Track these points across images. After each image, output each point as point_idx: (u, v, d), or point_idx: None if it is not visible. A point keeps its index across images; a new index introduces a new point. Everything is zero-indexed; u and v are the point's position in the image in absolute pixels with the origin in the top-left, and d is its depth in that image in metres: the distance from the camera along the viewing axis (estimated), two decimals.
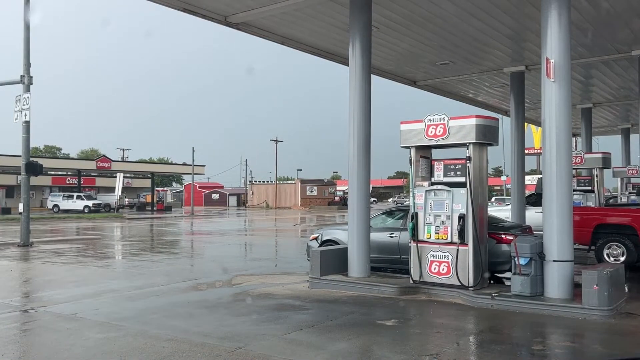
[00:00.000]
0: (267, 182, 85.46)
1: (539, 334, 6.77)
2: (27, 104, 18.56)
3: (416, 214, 8.91)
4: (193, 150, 51.98)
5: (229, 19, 11.67)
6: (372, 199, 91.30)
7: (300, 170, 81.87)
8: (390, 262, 10.70)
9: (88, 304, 8.52)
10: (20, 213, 18.71)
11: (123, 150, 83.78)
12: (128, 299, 8.91)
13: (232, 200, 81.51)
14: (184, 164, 64.30)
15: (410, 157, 9.05)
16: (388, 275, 10.15)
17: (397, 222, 11.14)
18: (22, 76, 18.78)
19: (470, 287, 8.34)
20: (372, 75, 15.64)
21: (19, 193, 55.86)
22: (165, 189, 73.53)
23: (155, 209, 56.53)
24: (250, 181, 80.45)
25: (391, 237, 10.69)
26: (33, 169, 18.55)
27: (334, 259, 9.88)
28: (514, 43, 13.73)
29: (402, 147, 9.16)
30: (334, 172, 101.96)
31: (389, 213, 11.78)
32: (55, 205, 49.92)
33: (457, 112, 8.92)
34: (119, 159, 69.69)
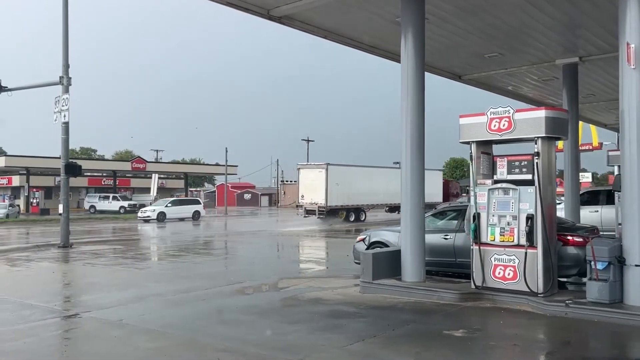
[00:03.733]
0: (295, 181, 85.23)
1: (624, 347, 6.11)
2: (66, 105, 18.55)
3: (478, 214, 8.29)
4: (226, 151, 52.08)
5: (271, 12, 11.24)
6: None
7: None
8: (444, 266, 10.10)
9: (133, 309, 8.19)
10: (60, 214, 18.68)
11: (157, 151, 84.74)
12: (174, 304, 8.55)
13: (264, 200, 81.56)
14: (217, 164, 64.53)
15: (471, 153, 8.44)
16: (444, 279, 9.56)
17: (450, 223, 10.53)
18: (61, 77, 18.78)
19: (540, 293, 7.68)
20: None
21: (57, 194, 57.01)
22: (198, 189, 74.14)
23: None
24: (282, 181, 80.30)
25: (445, 239, 10.09)
26: (72, 170, 18.52)
27: (386, 262, 9.33)
28: (568, 31, 12.92)
29: (461, 142, 8.56)
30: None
31: (441, 213, 11.17)
32: (92, 206, 50.57)
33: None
34: (153, 160, 70.40)
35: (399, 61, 13.99)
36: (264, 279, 11.04)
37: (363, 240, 11.46)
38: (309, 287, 9.79)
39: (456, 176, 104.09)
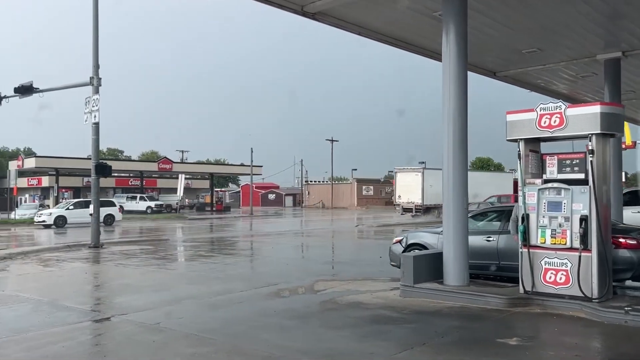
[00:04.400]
0: (322, 182, 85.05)
1: None
2: (97, 106, 18.60)
3: (527, 215, 7.90)
4: (252, 151, 52.14)
5: (305, 8, 10.97)
6: None
7: (356, 169, 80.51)
8: (486, 269, 9.72)
9: (170, 311, 8.01)
10: (90, 214, 18.74)
11: (182, 152, 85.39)
12: (210, 307, 8.36)
13: (288, 201, 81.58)
14: (242, 165, 64.68)
15: (519, 151, 8.05)
16: (488, 283, 9.18)
17: (492, 224, 10.14)
18: (91, 78, 18.85)
19: (595, 299, 7.27)
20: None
21: (85, 194, 57.83)
22: (223, 189, 74.46)
23: (214, 209, 57.01)
24: (306, 181, 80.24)
25: (488, 240, 9.71)
26: (102, 170, 18.56)
27: (427, 265, 8.99)
28: (611, 23, 12.38)
29: (508, 140, 8.18)
30: (389, 172, 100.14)
31: (482, 214, 10.77)
32: (120, 206, 50.99)
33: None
34: (179, 161, 70.95)
35: (436, 58, 13.74)
36: (298, 280, 10.78)
37: (400, 242, 11.13)
38: (347, 290, 9.50)
39: None
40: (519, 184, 8.10)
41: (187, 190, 66.45)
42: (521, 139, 8.04)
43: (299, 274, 11.75)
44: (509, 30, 12.45)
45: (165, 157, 57.17)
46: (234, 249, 18.60)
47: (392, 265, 11.27)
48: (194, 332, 6.71)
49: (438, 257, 9.04)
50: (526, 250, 7.87)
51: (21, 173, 44.98)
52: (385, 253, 16.33)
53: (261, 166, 59.84)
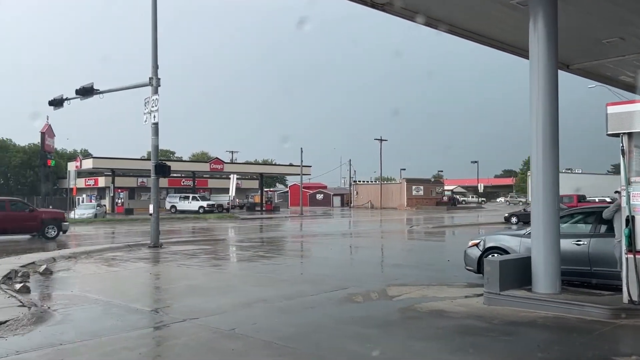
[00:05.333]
0: (370, 182, 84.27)
1: None
2: (156, 106, 18.67)
3: (632, 217, 7.14)
4: (301, 151, 52.01)
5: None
6: (481, 199, 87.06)
7: (404, 169, 79.45)
8: (575, 275, 8.96)
9: (242, 316, 7.68)
10: (150, 214, 18.81)
11: (232, 152, 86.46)
12: (283, 312, 7.98)
13: (336, 201, 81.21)
14: (291, 165, 64.73)
15: (622, 146, 7.29)
16: (582, 291, 8.42)
17: (582, 227, 9.36)
18: (150, 78, 18.94)
19: None
20: (514, 57, 13.83)
21: (139, 194, 59.21)
22: (272, 189, 74.85)
23: (264, 209, 57.23)
24: (354, 181, 79.67)
25: (578, 244, 8.95)
26: (162, 170, 18.62)
27: (513, 271, 8.33)
28: None
29: (608, 134, 7.43)
30: (439, 171, 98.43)
31: (569, 216, 9.98)
32: (173, 206, 51.90)
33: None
34: (229, 161, 71.74)
35: (513, 52, 12.97)
36: (368, 284, 10.27)
37: (476, 245, 10.48)
38: (423, 296, 8.95)
39: None
40: (622, 182, 7.34)
41: (237, 190, 67.08)
42: (625, 134, 7.28)
43: (366, 278, 11.26)
44: (590, 17, 11.58)
45: (216, 158, 57.85)
46: (291, 250, 18.30)
47: (467, 269, 10.64)
48: (273, 339, 6.32)
49: (525, 262, 8.36)
50: (632, 256, 7.11)
51: (79, 174, 46.32)
52: (449, 256, 15.71)
53: (310, 166, 59.73)
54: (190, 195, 52.14)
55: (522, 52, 11.81)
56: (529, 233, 9.15)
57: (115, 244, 19.28)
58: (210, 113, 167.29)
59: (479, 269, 10.25)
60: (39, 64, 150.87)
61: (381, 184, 72.52)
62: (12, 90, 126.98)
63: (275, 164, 72.22)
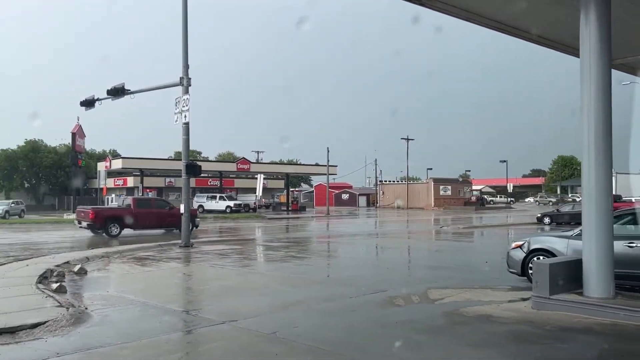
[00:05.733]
0: (396, 181, 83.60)
1: None
2: (187, 106, 18.64)
3: None
4: (328, 151, 51.80)
5: None
6: (509, 199, 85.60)
7: (431, 169, 78.54)
8: (627, 279, 8.54)
9: (281, 319, 7.47)
10: (181, 214, 18.82)
11: (257, 152, 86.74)
12: (323, 315, 7.75)
13: (362, 201, 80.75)
14: (316, 165, 64.57)
15: None
16: (637, 295, 8.00)
17: (632, 228, 8.92)
18: (181, 78, 18.93)
19: None
20: (561, 54, 13.31)
21: (167, 194, 59.71)
22: (298, 189, 74.81)
23: (290, 209, 57.18)
24: (380, 181, 79.14)
25: (630, 246, 8.52)
26: (193, 169, 18.60)
27: (563, 274, 7.94)
28: None
29: None
30: (466, 171, 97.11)
31: (617, 217, 9.53)
32: (200, 206, 52.14)
33: None
34: (254, 161, 71.95)
35: (560, 49, 12.50)
36: (407, 287, 9.99)
37: (520, 246, 10.09)
38: (467, 299, 8.62)
39: (565, 175, 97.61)
40: None
41: (263, 190, 67.19)
42: None
43: (403, 280, 11.00)
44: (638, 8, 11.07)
45: (243, 158, 58.01)
46: (322, 250, 18.08)
47: (510, 272, 10.27)
48: (317, 344, 6.10)
49: (576, 265, 7.97)
50: None
51: (108, 174, 46.92)
52: (485, 257, 15.29)
53: (336, 166, 59.37)
54: (218, 195, 52.35)
55: (569, 49, 11.39)
56: (577, 234, 8.76)
57: (147, 244, 19.30)
58: (235, 113, 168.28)
59: (523, 272, 9.89)
60: (68, 65, 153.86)
61: (408, 183, 71.83)
62: (42, 92, 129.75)
63: (300, 164, 72.13)
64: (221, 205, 50.43)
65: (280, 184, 67.92)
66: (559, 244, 9.40)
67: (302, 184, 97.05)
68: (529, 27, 11.54)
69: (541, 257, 9.41)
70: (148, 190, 52.35)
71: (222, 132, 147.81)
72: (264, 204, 61.08)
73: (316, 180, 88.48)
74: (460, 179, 77.69)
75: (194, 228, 24.87)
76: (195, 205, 53.38)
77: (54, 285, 9.80)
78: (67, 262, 13.29)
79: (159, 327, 7.16)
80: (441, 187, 67.51)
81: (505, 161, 74.51)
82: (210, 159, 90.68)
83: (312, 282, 10.76)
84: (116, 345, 6.17)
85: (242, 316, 7.60)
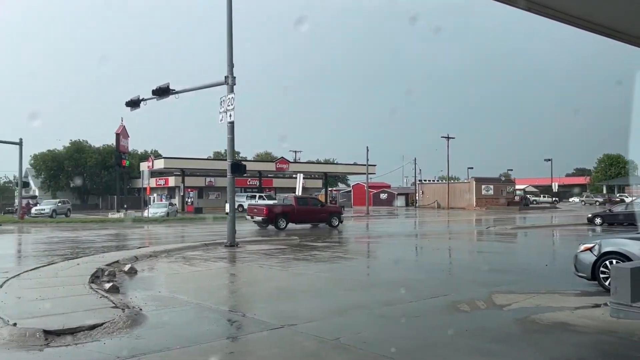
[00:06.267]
0: (434, 181, 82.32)
1: None
2: (232, 105, 18.52)
3: None
4: (367, 150, 51.29)
5: None
6: (554, 198, 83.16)
7: (472, 168, 76.90)
8: None
9: (342, 324, 7.13)
10: (227, 213, 18.71)
11: (295, 152, 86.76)
12: (386, 320, 7.38)
13: (400, 200, 79.75)
14: (355, 164, 64.14)
15: None
16: None
17: None
18: (226, 77, 18.82)
19: None
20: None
21: (207, 194, 60.30)
22: (336, 189, 74.46)
23: None
24: (419, 180, 78.02)
25: None
26: (238, 169, 18.47)
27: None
28: None
29: None
30: (508, 170, 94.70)
31: None
32: (240, 205, 52.36)
33: None
34: (292, 161, 71.97)
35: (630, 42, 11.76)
36: (469, 291, 9.50)
37: (590, 249, 9.46)
38: (536, 305, 8.09)
39: (611, 174, 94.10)
40: None
41: (301, 189, 67.14)
42: None
43: (462, 283, 10.49)
44: None
45: (282, 157, 58.08)
46: (369, 251, 17.68)
47: (578, 276, 9.64)
48: (385, 353, 5.72)
49: None
50: None
51: (150, 174, 47.64)
52: (543, 259, 14.64)
53: (374, 165, 58.88)
54: (257, 195, 52.50)
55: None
56: None
57: (192, 243, 19.31)
58: (272, 113, 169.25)
59: (594, 276, 9.27)
60: (111, 66, 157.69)
61: (448, 183, 70.55)
62: (87, 93, 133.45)
63: (338, 163, 71.75)
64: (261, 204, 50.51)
65: (318, 183, 67.72)
66: (635, 246, 8.76)
67: (338, 183, 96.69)
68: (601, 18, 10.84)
69: (614, 261, 8.79)
70: (189, 190, 52.94)
71: (259, 131, 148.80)
72: None
73: (353, 180, 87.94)
74: (503, 178, 75.86)
75: (340, 223, 28.98)
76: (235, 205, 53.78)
77: (107, 285, 9.73)
78: (117, 262, 13.29)
79: (216, 330, 6.94)
80: (483, 186, 65.99)
81: (550, 159, 72.48)
82: (248, 158, 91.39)
83: (365, 285, 10.40)
84: (175, 350, 5.94)
85: (300, 320, 7.30)
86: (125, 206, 42.78)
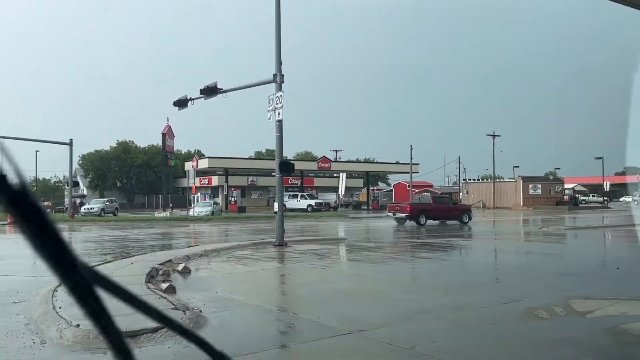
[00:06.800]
0: (477, 180, 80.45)
1: None
2: (280, 103, 18.29)
3: None
4: (411, 148, 50.57)
5: None
6: (604, 198, 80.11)
7: (517, 167, 74.89)
8: None
9: (413, 331, 6.70)
10: (275, 212, 18.52)
11: (335, 151, 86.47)
12: (459, 327, 6.90)
13: None
14: (397, 163, 63.34)
15: None
16: None
17: None
18: (274, 75, 18.60)
19: None
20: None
21: (249, 193, 60.63)
22: (377, 188, 73.69)
23: (370, 208, 56.34)
24: (463, 179, 76.42)
25: None
26: (287, 168, 18.22)
27: None
28: None
29: None
30: (555, 169, 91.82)
31: None
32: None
33: None
34: (333, 160, 71.63)
35: None
36: (542, 296, 8.87)
37: None
38: (622, 313, 7.47)
39: None
40: None
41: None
42: None
43: (532, 287, 9.86)
44: None
45: (324, 157, 57.89)
46: (422, 251, 17.10)
47: None
48: None
49: None
50: None
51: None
52: (614, 262, 13.79)
53: (418, 164, 57.91)
54: (299, 194, 52.45)
55: None
56: None
57: (240, 242, 19.22)
58: (312, 113, 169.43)
59: None
60: (156, 67, 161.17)
61: (494, 182, 68.80)
62: (132, 94, 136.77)
63: (380, 162, 71.02)
64: (302, 204, 50.44)
65: (358, 182, 67.21)
66: None
67: (379, 182, 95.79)
68: None
69: None
70: (233, 189, 53.29)
71: (299, 131, 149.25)
72: (343, 202, 60.65)
73: (393, 179, 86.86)
74: (552, 177, 73.53)
75: (469, 220, 30.98)
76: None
77: (164, 285, 9.58)
78: (170, 261, 13.21)
79: (281, 334, 6.64)
80: (530, 185, 64.03)
81: (600, 158, 69.86)
82: (288, 157, 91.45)
83: (427, 287, 9.92)
84: (242, 356, 5.65)
85: (367, 325, 6.90)
86: (171, 205, 43.34)
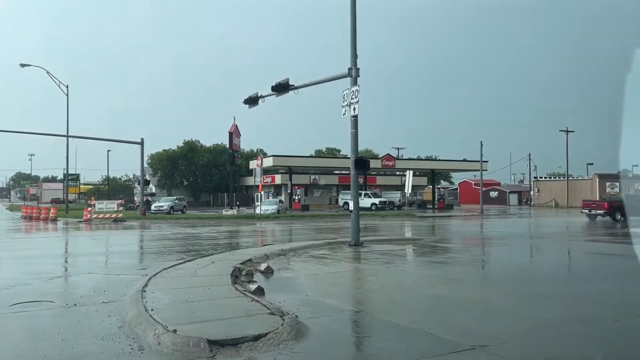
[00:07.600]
0: (549, 177, 76.84)
1: None
2: (356, 97, 17.61)
3: None
4: (481, 145, 48.65)
5: None
6: None
7: (591, 164, 70.89)
8: None
9: (542, 347, 5.86)
10: (351, 211, 17.88)
11: (397, 149, 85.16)
12: (597, 344, 6.00)
13: (512, 199, 75.39)
14: (465, 160, 61.29)
15: None
16: None
17: None
18: (349, 69, 17.95)
19: None
20: None
21: (311, 191, 60.39)
22: (442, 186, 71.82)
23: (436, 207, 54.79)
24: (534, 177, 73.22)
25: None
26: (362, 165, 17.56)
27: None
28: None
29: None
30: (633, 165, 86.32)
31: None
32: (346, 203, 51.77)
33: None
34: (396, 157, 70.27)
35: None
36: None
37: None
38: None
39: None
40: None
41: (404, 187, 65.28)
42: None
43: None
44: None
45: (388, 154, 56.76)
46: (511, 254, 15.97)
47: None
48: None
49: None
50: None
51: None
52: None
53: (487, 161, 55.71)
54: (363, 193, 51.51)
55: None
56: None
57: (315, 241, 18.73)
58: (371, 111, 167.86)
59: None
60: (221, 67, 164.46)
61: (568, 180, 65.47)
62: (199, 94, 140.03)
63: (446, 160, 69.04)
64: (366, 202, 49.57)
65: (422, 180, 65.64)
66: None
67: (441, 180, 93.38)
68: None
69: None
70: (296, 187, 53.19)
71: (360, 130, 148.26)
72: (407, 201, 59.31)
73: (457, 177, 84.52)
74: (631, 175, 69.16)
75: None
76: (340, 202, 53.27)
77: (251, 287, 9.14)
78: (250, 260, 12.85)
79: (394, 347, 5.95)
80: (607, 183, 60.48)
81: None
82: (349, 156, 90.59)
83: (539, 296, 8.94)
84: None
85: (489, 339, 6.11)
86: (237, 203, 43.66)
